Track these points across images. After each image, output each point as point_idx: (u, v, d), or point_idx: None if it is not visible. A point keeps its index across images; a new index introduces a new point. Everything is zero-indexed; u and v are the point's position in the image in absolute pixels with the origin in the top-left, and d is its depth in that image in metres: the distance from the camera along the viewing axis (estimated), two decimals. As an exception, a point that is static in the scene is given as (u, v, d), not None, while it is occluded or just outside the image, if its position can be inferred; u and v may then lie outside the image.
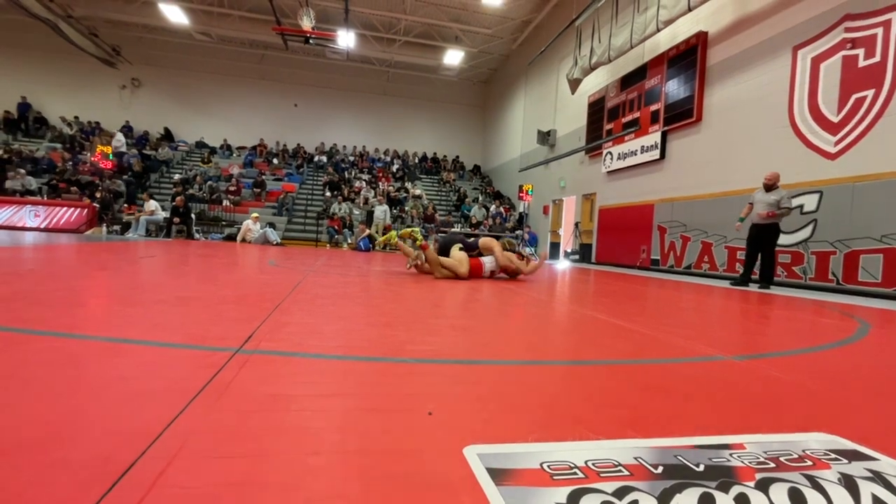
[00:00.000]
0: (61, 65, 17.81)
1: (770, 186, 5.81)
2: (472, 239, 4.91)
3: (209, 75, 19.56)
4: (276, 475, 0.67)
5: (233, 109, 19.90)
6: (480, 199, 18.07)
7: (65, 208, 12.01)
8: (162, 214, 11.99)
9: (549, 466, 0.72)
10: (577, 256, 12.67)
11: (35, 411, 0.85)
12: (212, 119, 19.61)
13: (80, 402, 0.91)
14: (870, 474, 0.76)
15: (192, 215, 12.36)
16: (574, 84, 11.52)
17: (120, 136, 16.06)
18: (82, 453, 0.70)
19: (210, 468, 0.68)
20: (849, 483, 0.73)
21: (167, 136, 18.59)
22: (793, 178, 6.44)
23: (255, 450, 0.75)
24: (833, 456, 0.83)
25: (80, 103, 17.92)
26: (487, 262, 4.75)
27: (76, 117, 17.59)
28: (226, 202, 14.15)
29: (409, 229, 4.93)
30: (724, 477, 0.72)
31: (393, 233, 4.95)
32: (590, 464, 0.74)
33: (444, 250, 4.70)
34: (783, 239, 5.94)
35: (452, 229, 14.41)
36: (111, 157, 13.55)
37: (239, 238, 11.91)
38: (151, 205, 11.96)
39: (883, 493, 0.70)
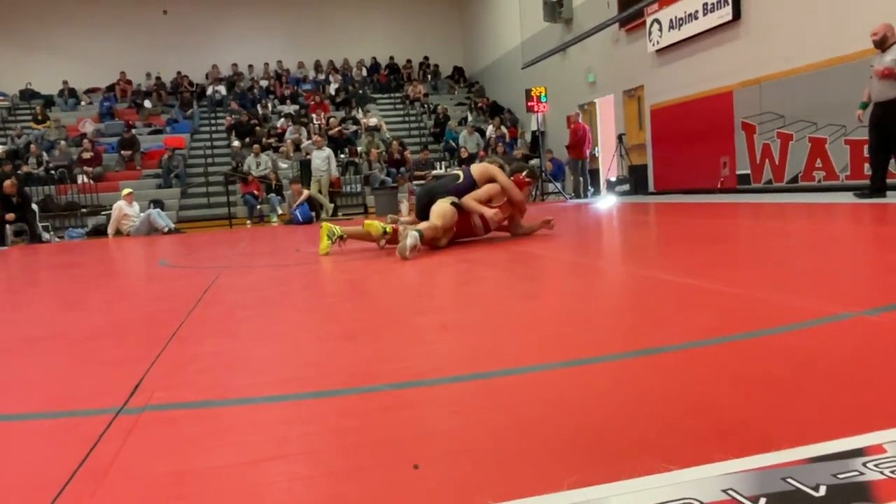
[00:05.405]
0: None
1: (881, 43, 5.89)
2: (462, 179, 4.76)
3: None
4: None
5: (72, 36, 19.36)
6: (470, 119, 17.89)
7: None
8: None
9: (597, 524, 0.73)
10: (626, 186, 12.68)
11: None
12: (40, 54, 19.02)
13: None
14: None
15: (34, 206, 12.12)
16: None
17: None
18: None
19: None
20: None
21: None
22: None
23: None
24: None
25: None
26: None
27: None
28: (82, 178, 13.91)
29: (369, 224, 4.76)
30: (857, 502, 0.73)
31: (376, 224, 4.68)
32: (658, 511, 0.75)
33: (426, 209, 4.58)
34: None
35: (434, 171, 14.30)
36: None
37: (111, 230, 11.79)
38: None
39: None
